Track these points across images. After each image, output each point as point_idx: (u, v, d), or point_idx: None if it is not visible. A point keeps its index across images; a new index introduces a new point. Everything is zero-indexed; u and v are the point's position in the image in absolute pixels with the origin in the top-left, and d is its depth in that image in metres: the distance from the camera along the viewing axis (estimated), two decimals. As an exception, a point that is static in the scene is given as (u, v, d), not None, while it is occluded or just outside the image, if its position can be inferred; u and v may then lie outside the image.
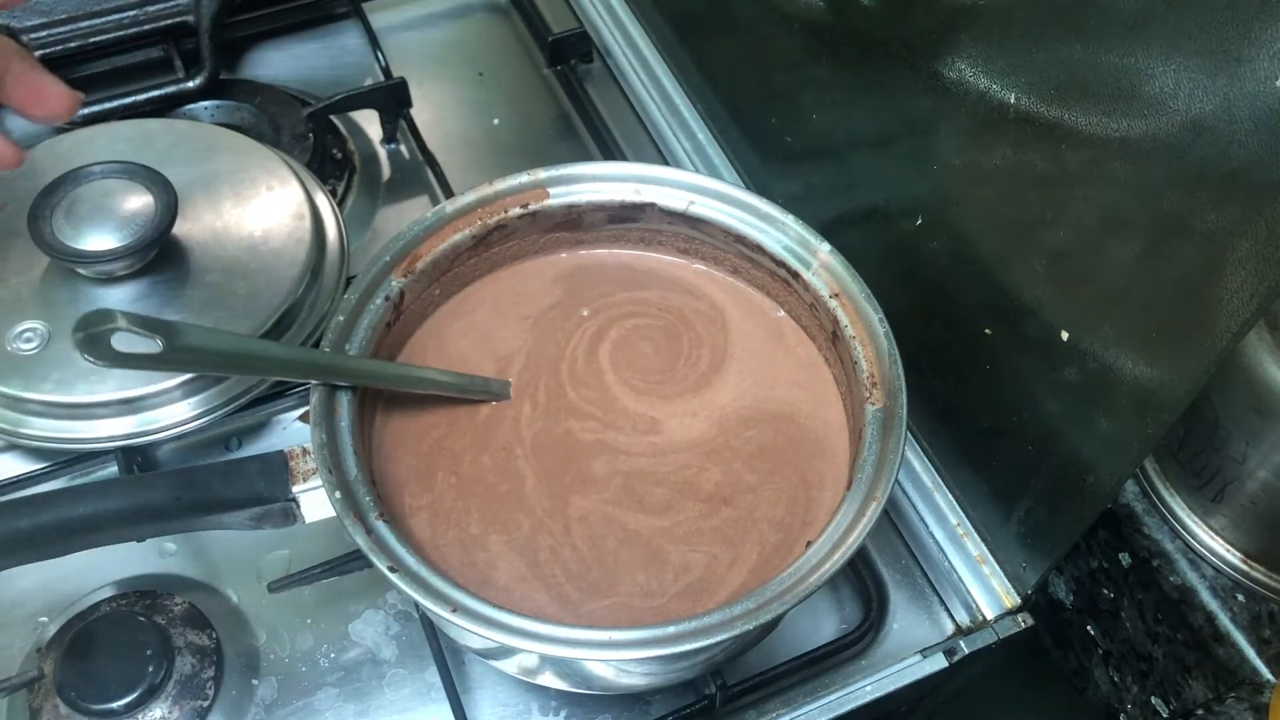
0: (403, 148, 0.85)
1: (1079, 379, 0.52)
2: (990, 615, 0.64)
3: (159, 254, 0.66)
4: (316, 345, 0.56)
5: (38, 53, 0.81)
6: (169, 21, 0.84)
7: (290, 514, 0.51)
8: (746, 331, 0.62)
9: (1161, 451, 0.64)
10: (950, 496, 0.67)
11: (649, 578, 0.53)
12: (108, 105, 0.80)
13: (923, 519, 0.68)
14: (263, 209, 0.70)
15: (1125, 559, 0.64)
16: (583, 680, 0.57)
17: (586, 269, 0.64)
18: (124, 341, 0.44)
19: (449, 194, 0.77)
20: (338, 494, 0.49)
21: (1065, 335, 0.52)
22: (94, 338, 0.43)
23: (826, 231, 0.59)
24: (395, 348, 0.59)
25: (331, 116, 0.85)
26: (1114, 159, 0.46)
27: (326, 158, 0.82)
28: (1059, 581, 0.69)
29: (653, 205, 0.61)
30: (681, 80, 0.87)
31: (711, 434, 0.58)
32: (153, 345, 0.44)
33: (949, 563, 0.66)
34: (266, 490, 0.50)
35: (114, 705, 0.56)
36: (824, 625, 0.64)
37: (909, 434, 0.53)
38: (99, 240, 0.64)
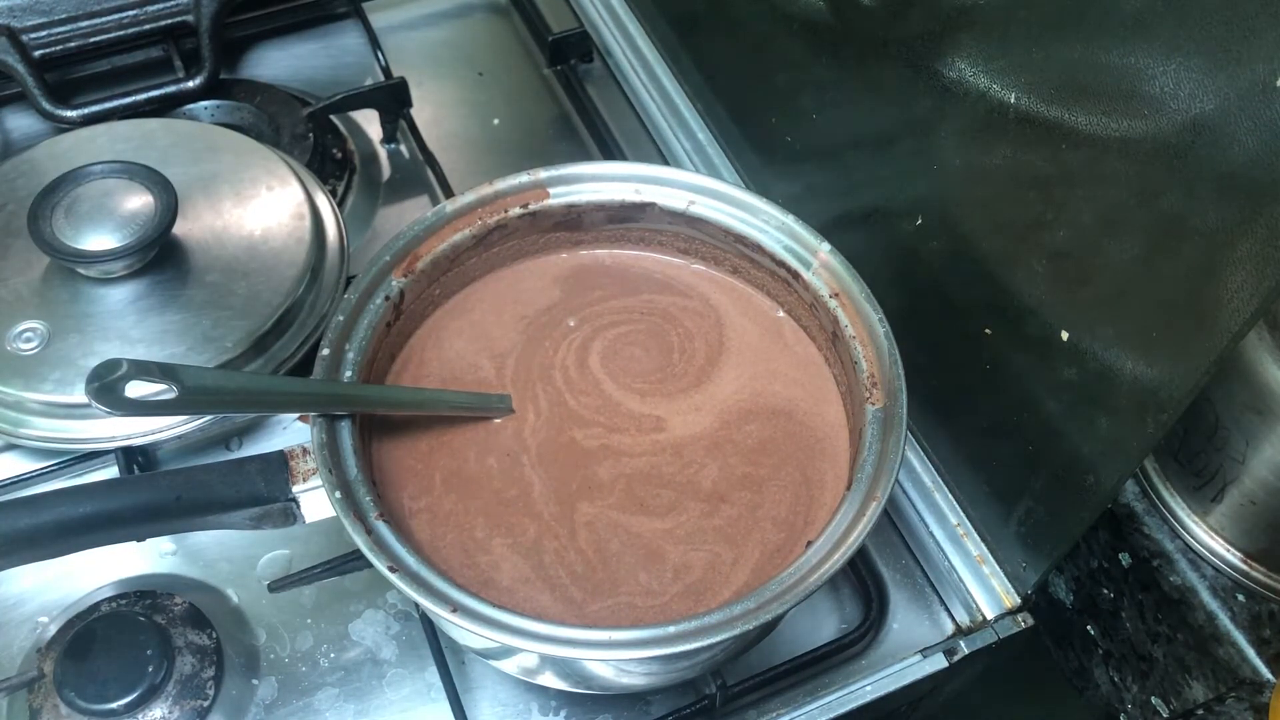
0: (403, 148, 0.85)
1: (1079, 379, 0.52)
2: (990, 615, 0.64)
3: (159, 254, 0.66)
4: (316, 345, 0.56)
5: (37, 53, 0.81)
6: (169, 21, 0.84)
7: (290, 514, 0.51)
8: (744, 329, 0.62)
9: (1161, 451, 0.64)
10: (950, 496, 0.67)
11: (650, 577, 0.53)
12: (108, 105, 0.80)
13: (923, 519, 0.68)
14: (263, 209, 0.70)
15: (1125, 559, 0.64)
16: (583, 680, 0.57)
17: (586, 269, 0.64)
18: (137, 389, 0.44)
19: (449, 194, 0.78)
20: (338, 494, 0.49)
21: (1065, 335, 0.52)
22: (107, 388, 0.43)
23: (826, 231, 0.59)
24: (395, 347, 0.59)
25: (331, 116, 0.85)
26: (1114, 159, 0.46)
27: (326, 158, 0.82)
28: (1059, 581, 0.69)
29: (653, 205, 0.61)
30: (681, 80, 0.87)
31: (714, 428, 0.58)
32: (166, 391, 0.44)
33: (949, 563, 0.66)
34: (266, 490, 0.50)
35: (114, 705, 0.56)
36: (824, 625, 0.64)
37: (909, 434, 0.53)
38: (99, 240, 0.64)
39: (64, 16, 0.83)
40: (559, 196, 0.61)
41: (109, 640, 0.58)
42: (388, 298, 0.57)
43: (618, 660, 0.49)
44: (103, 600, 0.61)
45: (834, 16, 0.63)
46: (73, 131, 0.75)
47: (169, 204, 0.65)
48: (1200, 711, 0.59)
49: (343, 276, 0.71)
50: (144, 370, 0.44)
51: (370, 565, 0.48)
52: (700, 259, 0.64)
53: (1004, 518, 0.63)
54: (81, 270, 0.65)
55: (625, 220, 0.63)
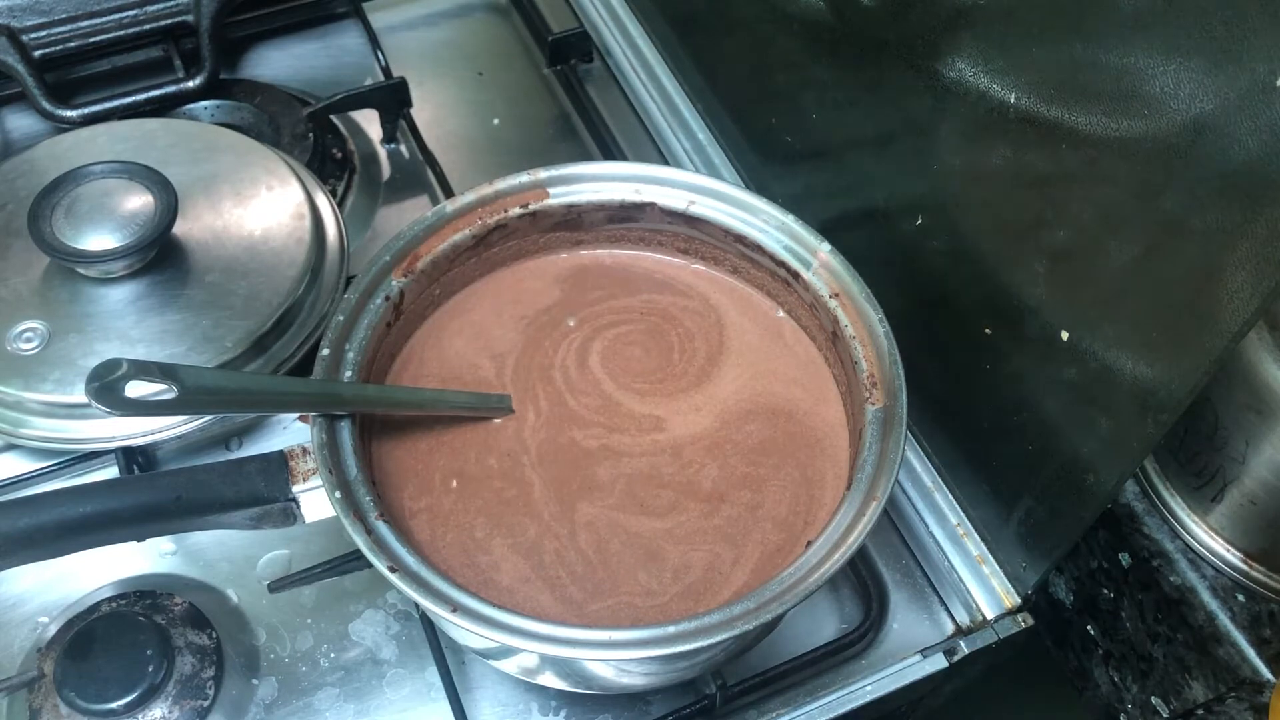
0: (403, 148, 0.85)
1: (1079, 379, 0.52)
2: (990, 615, 0.64)
3: (159, 254, 0.66)
4: (316, 345, 0.56)
5: (37, 53, 0.81)
6: (169, 21, 0.84)
7: (290, 514, 0.51)
8: (744, 329, 0.62)
9: (1161, 451, 0.64)
10: (950, 496, 0.67)
11: (650, 577, 0.53)
12: (108, 105, 0.80)
13: (923, 519, 0.68)
14: (263, 209, 0.70)
15: (1125, 559, 0.64)
16: (583, 680, 0.57)
17: (586, 269, 0.64)
18: (137, 389, 0.44)
19: (449, 194, 0.78)
20: (338, 494, 0.49)
21: (1065, 335, 0.52)
22: (107, 388, 0.43)
23: (826, 231, 0.59)
24: (395, 347, 0.59)
25: (331, 116, 0.85)
26: (1114, 159, 0.46)
27: (326, 158, 0.82)
28: (1059, 581, 0.69)
29: (653, 205, 0.61)
30: (681, 80, 0.87)
31: (714, 428, 0.58)
32: (166, 391, 0.44)
33: (949, 563, 0.66)
34: (266, 490, 0.50)
35: (114, 705, 0.56)
36: (824, 625, 0.64)
37: (909, 434, 0.53)
38: (99, 240, 0.64)
39: (64, 16, 0.83)
40: (559, 196, 0.61)
41: (109, 640, 0.58)
42: (388, 298, 0.57)
43: (618, 660, 0.49)
44: (103, 600, 0.61)
45: (834, 16, 0.63)
46: (73, 131, 0.75)
47: (169, 204, 0.65)
48: (1200, 711, 0.59)
49: (343, 276, 0.71)
50: (144, 370, 0.44)
51: (370, 565, 0.48)
52: (700, 259, 0.64)
53: (1004, 518, 0.63)
54: (81, 270, 0.65)
55: (625, 220, 0.63)
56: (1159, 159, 0.43)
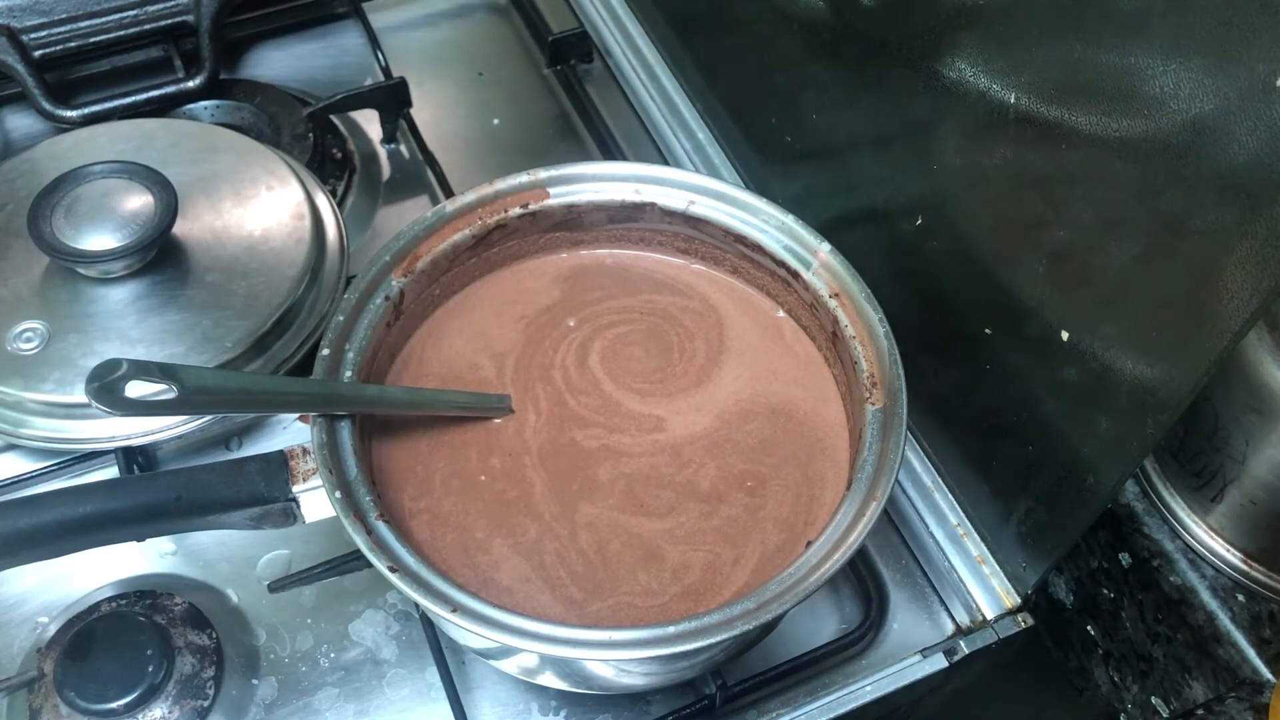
0: (403, 148, 0.85)
1: (1079, 379, 0.52)
2: (990, 615, 0.64)
3: (159, 254, 0.66)
4: (316, 345, 0.56)
5: (37, 53, 0.81)
6: (169, 21, 0.84)
7: (290, 514, 0.51)
8: (744, 329, 0.62)
9: (1161, 451, 0.64)
10: (950, 496, 0.67)
11: (650, 578, 0.53)
12: (108, 105, 0.80)
13: (923, 519, 0.68)
14: (263, 209, 0.70)
15: (1125, 559, 0.64)
16: (583, 680, 0.57)
17: (586, 269, 0.64)
18: (137, 389, 0.44)
19: (449, 194, 0.78)
20: (338, 494, 0.49)
21: (1065, 335, 0.52)
22: (107, 388, 0.43)
23: (826, 231, 0.59)
24: (395, 347, 0.59)
25: (331, 116, 0.85)
26: (1114, 159, 0.46)
27: (326, 158, 0.82)
28: (1059, 581, 0.69)
29: (653, 205, 0.61)
30: (681, 80, 0.87)
31: (714, 428, 0.58)
32: (166, 391, 0.44)
33: (949, 563, 0.66)
34: (266, 490, 0.50)
35: (114, 705, 0.56)
36: (824, 625, 0.64)
37: (909, 434, 0.53)
38: (99, 240, 0.64)
39: (64, 16, 0.83)
40: (559, 196, 0.61)
41: (109, 640, 0.58)
42: (388, 298, 0.57)
43: (618, 660, 0.49)
44: (103, 600, 0.61)
45: (834, 16, 0.63)
46: (73, 131, 0.75)
47: (169, 204, 0.65)
48: (1200, 711, 0.59)
49: (343, 276, 0.71)
50: (144, 370, 0.44)
51: (370, 565, 0.48)
52: (700, 259, 0.64)
53: (1004, 518, 0.63)
54: (81, 270, 0.65)
55: (625, 220, 0.63)
56: (1159, 159, 0.43)
